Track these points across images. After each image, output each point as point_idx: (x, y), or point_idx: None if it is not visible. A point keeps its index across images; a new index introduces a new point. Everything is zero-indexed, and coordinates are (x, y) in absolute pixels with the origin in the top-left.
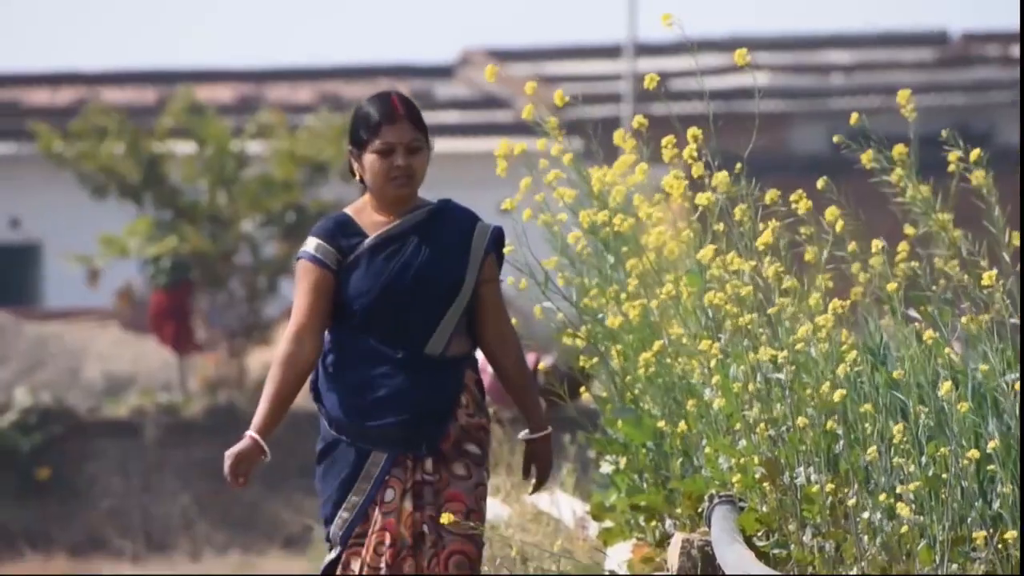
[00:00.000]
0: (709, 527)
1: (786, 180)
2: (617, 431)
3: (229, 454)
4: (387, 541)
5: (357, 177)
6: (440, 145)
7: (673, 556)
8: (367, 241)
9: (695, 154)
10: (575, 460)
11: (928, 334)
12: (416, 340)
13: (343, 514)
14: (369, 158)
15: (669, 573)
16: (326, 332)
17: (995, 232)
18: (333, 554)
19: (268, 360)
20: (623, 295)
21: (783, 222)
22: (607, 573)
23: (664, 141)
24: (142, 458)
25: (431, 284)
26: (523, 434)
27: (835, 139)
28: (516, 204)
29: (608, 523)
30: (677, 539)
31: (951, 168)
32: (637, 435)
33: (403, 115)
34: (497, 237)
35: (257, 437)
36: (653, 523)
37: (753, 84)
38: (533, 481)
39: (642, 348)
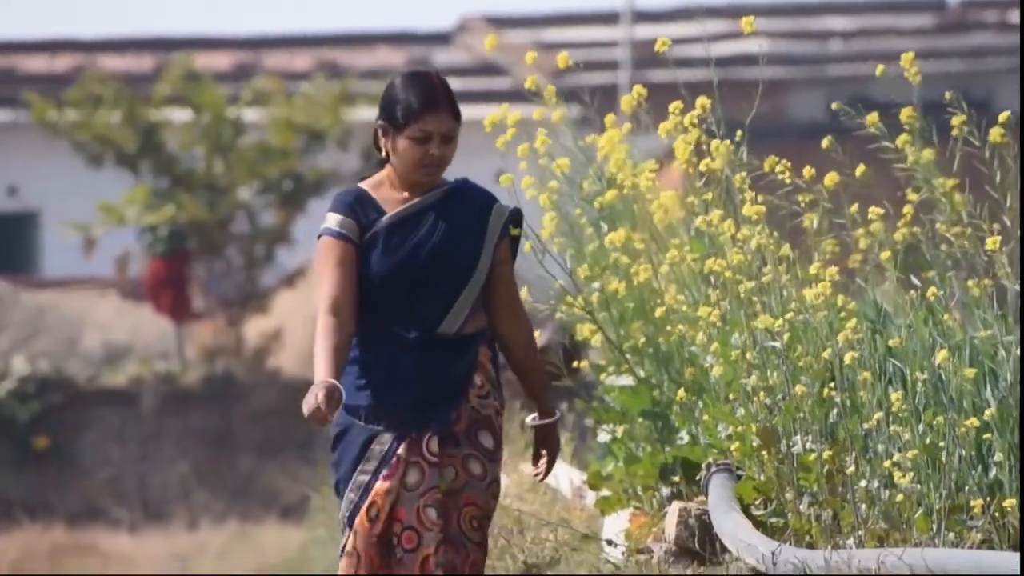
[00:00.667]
0: (706, 496)
1: (784, 147)
2: (614, 400)
3: (314, 389)
4: (382, 508)
5: (383, 153)
6: None
7: (670, 525)
8: (384, 219)
9: (696, 120)
10: (572, 429)
11: (932, 290)
12: (430, 320)
13: (349, 495)
14: (404, 143)
15: (666, 542)
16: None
17: (997, 197)
18: (344, 536)
19: (265, 329)
20: (623, 260)
21: (780, 191)
22: (604, 542)
23: (672, 107)
24: (140, 427)
25: (446, 264)
26: (531, 419)
27: (834, 106)
28: (513, 178)
29: (605, 492)
30: (674, 508)
31: (955, 132)
32: (634, 403)
33: (445, 103)
34: (514, 219)
35: (333, 381)
36: (650, 492)
37: (750, 51)
38: (543, 466)
39: (639, 316)
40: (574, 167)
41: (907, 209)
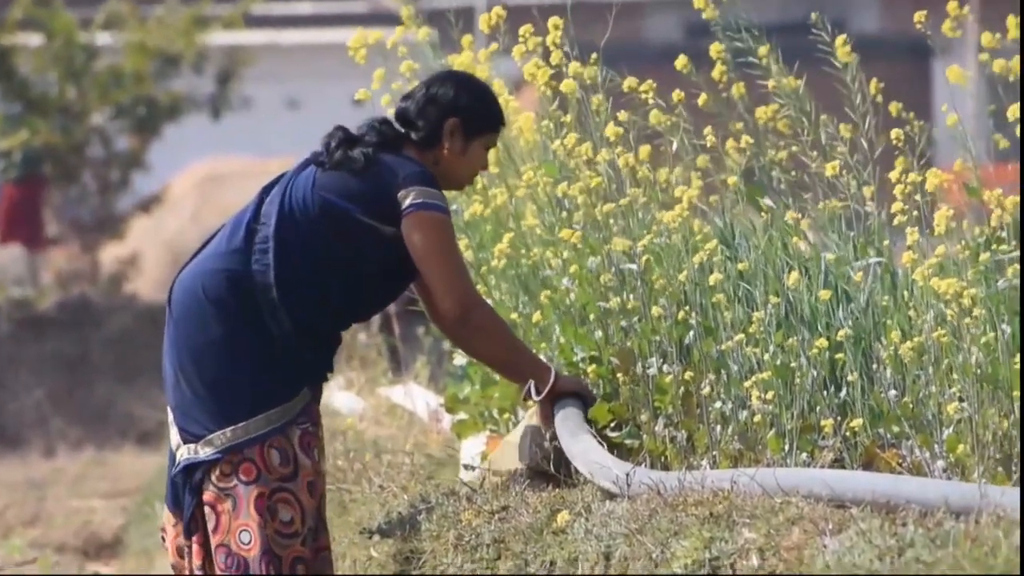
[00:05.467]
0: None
1: (640, 70)
2: None
3: (581, 387)
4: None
5: (443, 148)
6: (294, 36)
7: (524, 448)
8: None
9: (558, 40)
10: (429, 352)
11: (790, 214)
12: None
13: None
14: (477, 147)
15: (521, 464)
16: (321, 284)
17: (856, 119)
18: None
19: (120, 254)
20: (482, 185)
21: (642, 108)
22: (462, 465)
23: (522, 30)
24: None
25: None
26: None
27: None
28: (371, 95)
29: (462, 415)
30: (527, 431)
31: (761, 60)
32: None
33: None
34: None
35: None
36: (507, 415)
37: None
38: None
39: (497, 239)
40: None
41: (745, 139)
